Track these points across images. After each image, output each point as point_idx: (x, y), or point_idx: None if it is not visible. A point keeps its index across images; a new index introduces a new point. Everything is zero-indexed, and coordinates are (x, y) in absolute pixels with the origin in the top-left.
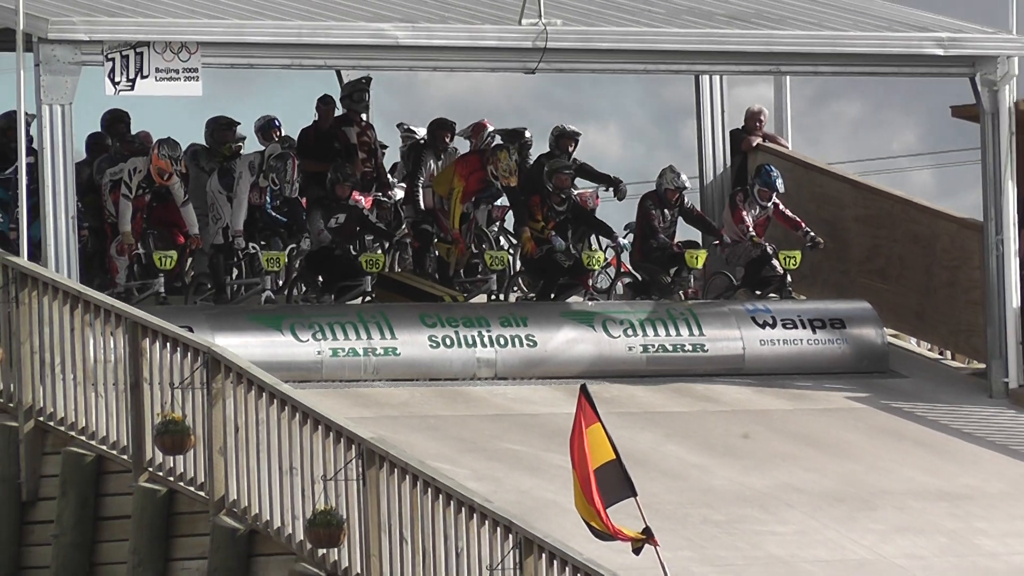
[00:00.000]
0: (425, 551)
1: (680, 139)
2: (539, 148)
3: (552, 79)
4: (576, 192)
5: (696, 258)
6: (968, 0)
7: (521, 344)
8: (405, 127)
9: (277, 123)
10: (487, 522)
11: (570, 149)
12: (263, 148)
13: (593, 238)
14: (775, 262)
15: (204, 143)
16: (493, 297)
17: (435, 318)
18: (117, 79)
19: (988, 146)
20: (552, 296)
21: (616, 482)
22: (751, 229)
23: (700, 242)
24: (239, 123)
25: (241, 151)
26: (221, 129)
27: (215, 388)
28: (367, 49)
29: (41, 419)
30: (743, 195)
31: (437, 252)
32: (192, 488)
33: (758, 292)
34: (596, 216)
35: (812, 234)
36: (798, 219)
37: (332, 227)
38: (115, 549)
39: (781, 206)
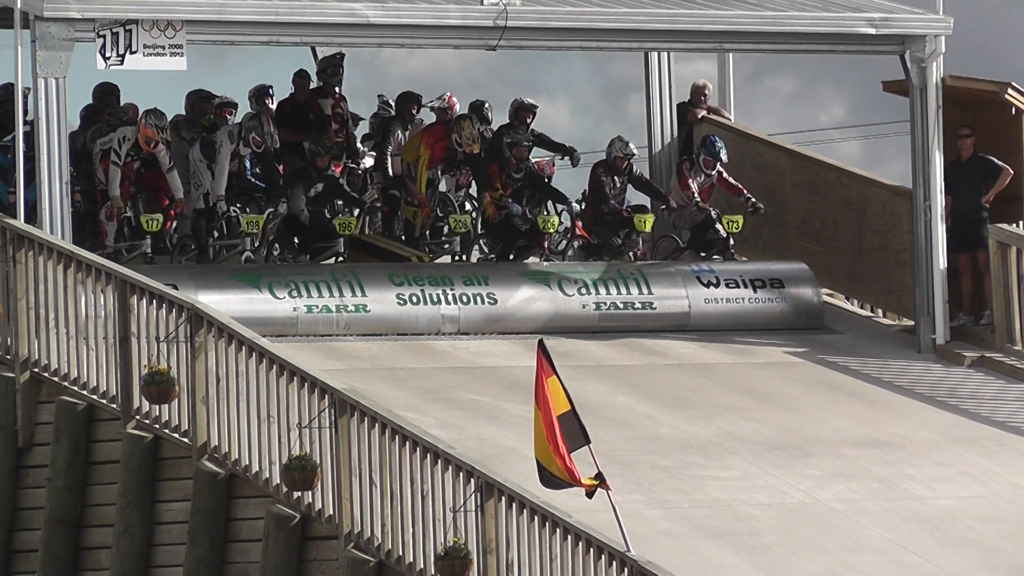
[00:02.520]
0: (393, 494)
1: (626, 112)
2: (499, 120)
3: (506, 56)
4: (534, 160)
5: (644, 222)
6: None
7: (482, 302)
8: (383, 99)
9: (271, 91)
10: (451, 467)
11: (528, 120)
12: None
13: (549, 203)
14: (719, 226)
15: (184, 114)
16: (457, 258)
17: (402, 277)
18: (108, 55)
19: (917, 119)
20: (511, 257)
21: (572, 430)
22: (696, 195)
23: (648, 207)
24: (217, 96)
25: (230, 118)
26: (201, 101)
27: (198, 342)
28: (340, 27)
29: (36, 370)
30: (689, 164)
31: (404, 216)
32: (176, 435)
33: (703, 254)
34: (550, 184)
35: (753, 200)
36: (740, 186)
37: (311, 196)
38: (105, 491)
39: (725, 174)
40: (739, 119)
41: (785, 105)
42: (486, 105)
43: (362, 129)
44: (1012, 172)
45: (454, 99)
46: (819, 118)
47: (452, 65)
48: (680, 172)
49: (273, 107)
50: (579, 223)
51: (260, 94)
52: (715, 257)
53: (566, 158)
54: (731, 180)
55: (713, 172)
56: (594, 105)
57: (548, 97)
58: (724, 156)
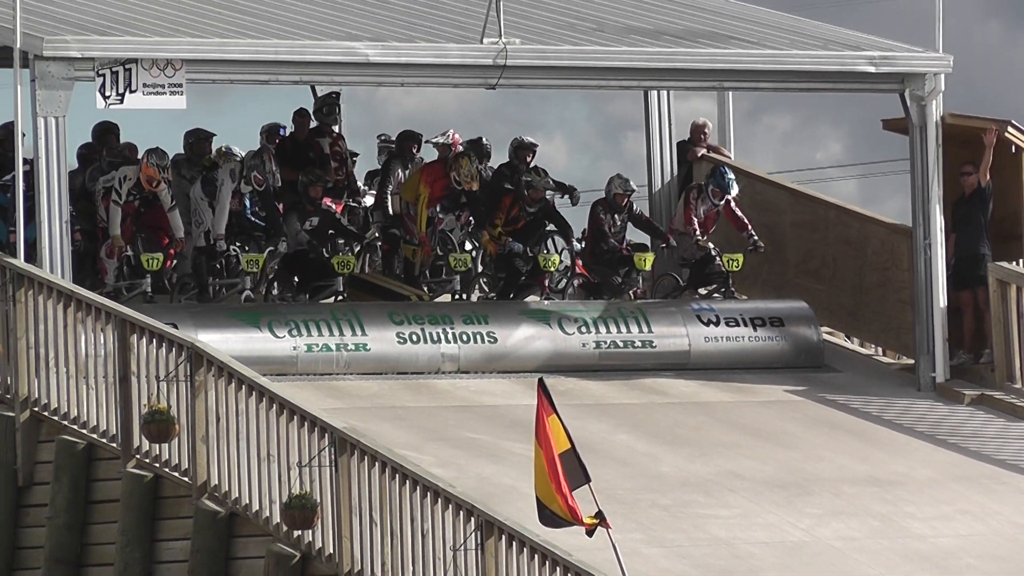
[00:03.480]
0: (393, 532)
1: (622, 150)
2: (498, 158)
3: (503, 95)
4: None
5: (644, 260)
6: (897, 20)
7: (482, 340)
8: (384, 138)
9: (284, 130)
10: (451, 506)
11: (528, 159)
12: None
13: (549, 242)
14: (719, 261)
15: (184, 153)
16: (457, 296)
17: (402, 316)
18: (107, 93)
19: (916, 157)
20: (511, 296)
21: (572, 469)
22: (698, 231)
23: (648, 245)
24: (215, 135)
25: (224, 158)
26: (200, 142)
27: (198, 381)
28: (339, 66)
29: (36, 409)
30: (697, 191)
31: (404, 254)
32: (176, 474)
33: (702, 291)
34: (560, 215)
35: (755, 238)
36: (746, 220)
37: (307, 229)
38: (105, 530)
39: (733, 205)
40: (738, 157)
41: (783, 142)
42: (484, 140)
43: (366, 166)
44: (995, 130)
45: (457, 136)
46: (816, 156)
47: (449, 104)
48: (687, 201)
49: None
50: (579, 261)
51: (271, 132)
52: (715, 295)
53: (566, 196)
54: (738, 212)
55: (720, 202)
56: (591, 143)
57: (545, 135)
58: (734, 190)
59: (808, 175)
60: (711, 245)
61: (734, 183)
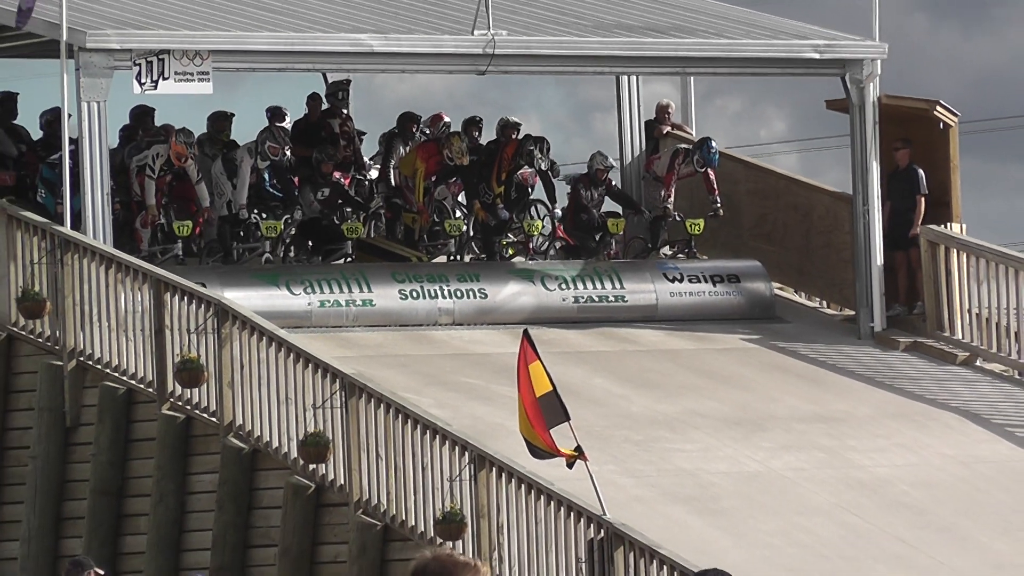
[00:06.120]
0: (396, 466)
1: (592, 130)
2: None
3: (487, 81)
4: (519, 172)
5: (617, 225)
6: (836, 13)
7: (474, 296)
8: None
9: (285, 112)
10: (447, 442)
11: (513, 136)
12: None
13: (533, 209)
14: (679, 219)
15: (207, 132)
16: (451, 258)
17: (404, 275)
18: (143, 80)
19: (856, 133)
20: (499, 257)
21: (554, 409)
22: (671, 198)
23: (620, 212)
24: (233, 114)
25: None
26: (219, 120)
27: (224, 333)
28: (347, 55)
29: (82, 359)
30: (683, 156)
31: (405, 221)
32: (205, 415)
33: (667, 252)
34: (530, 196)
35: (717, 204)
36: (716, 187)
37: (319, 199)
38: (142, 465)
39: (712, 176)
40: (699, 134)
41: (733, 122)
42: (477, 118)
43: (371, 145)
44: (927, 193)
45: (446, 117)
46: (760, 133)
47: (439, 89)
48: (671, 165)
49: (285, 125)
50: (560, 227)
51: (275, 112)
52: (679, 256)
53: (548, 171)
54: (713, 180)
55: (701, 170)
56: (564, 123)
57: (523, 115)
58: (715, 163)
59: (755, 150)
60: (671, 205)
61: (717, 156)
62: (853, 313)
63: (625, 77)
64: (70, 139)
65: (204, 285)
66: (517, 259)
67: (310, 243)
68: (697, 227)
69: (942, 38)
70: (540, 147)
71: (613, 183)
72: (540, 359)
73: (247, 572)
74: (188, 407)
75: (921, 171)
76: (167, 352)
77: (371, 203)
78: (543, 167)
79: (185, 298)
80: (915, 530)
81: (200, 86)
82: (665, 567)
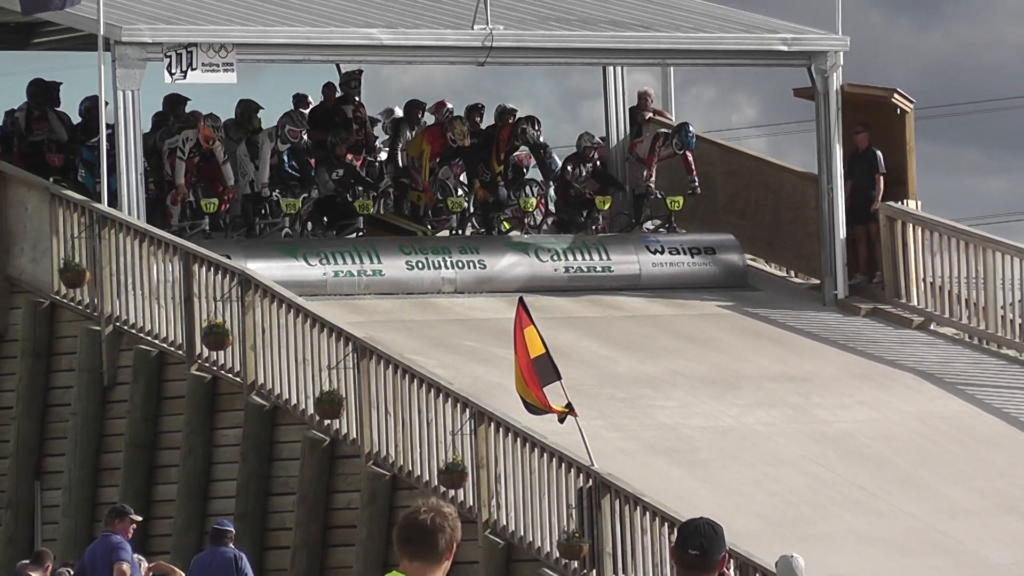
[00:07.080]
0: (403, 421)
1: (579, 116)
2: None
3: (484, 71)
4: (515, 154)
5: (604, 202)
6: (806, 8)
7: (475, 267)
8: (389, 111)
9: (309, 99)
10: (450, 399)
11: (509, 120)
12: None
13: (528, 188)
14: (660, 197)
15: (234, 118)
16: (453, 232)
17: (410, 248)
18: (173, 71)
19: (821, 118)
20: (497, 231)
21: (547, 369)
22: (653, 178)
23: (607, 191)
24: (263, 107)
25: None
26: (250, 110)
27: (247, 301)
28: (359, 48)
29: (118, 324)
30: (663, 139)
31: (411, 199)
32: (230, 375)
33: (649, 227)
34: (525, 176)
35: (695, 184)
36: (694, 168)
37: (334, 179)
38: (173, 421)
39: (690, 157)
40: (677, 120)
41: (707, 108)
42: (479, 104)
43: (381, 129)
44: (885, 173)
45: (449, 104)
46: (732, 119)
47: (437, 79)
48: (653, 146)
49: (306, 111)
50: (540, 202)
51: (299, 99)
52: (661, 230)
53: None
54: (692, 162)
55: (680, 152)
56: (554, 110)
57: (516, 103)
58: (693, 146)
59: (728, 135)
60: (652, 184)
61: (694, 140)
62: (818, 282)
63: (611, 68)
64: (107, 124)
65: (229, 257)
66: (513, 233)
67: (325, 219)
68: (677, 204)
69: (899, 32)
70: (532, 124)
71: (599, 162)
72: (534, 324)
73: (268, 518)
74: (214, 368)
75: (880, 153)
76: (195, 318)
77: (381, 182)
78: (538, 140)
79: (211, 269)
80: (875, 479)
81: (225, 76)
82: (648, 513)
